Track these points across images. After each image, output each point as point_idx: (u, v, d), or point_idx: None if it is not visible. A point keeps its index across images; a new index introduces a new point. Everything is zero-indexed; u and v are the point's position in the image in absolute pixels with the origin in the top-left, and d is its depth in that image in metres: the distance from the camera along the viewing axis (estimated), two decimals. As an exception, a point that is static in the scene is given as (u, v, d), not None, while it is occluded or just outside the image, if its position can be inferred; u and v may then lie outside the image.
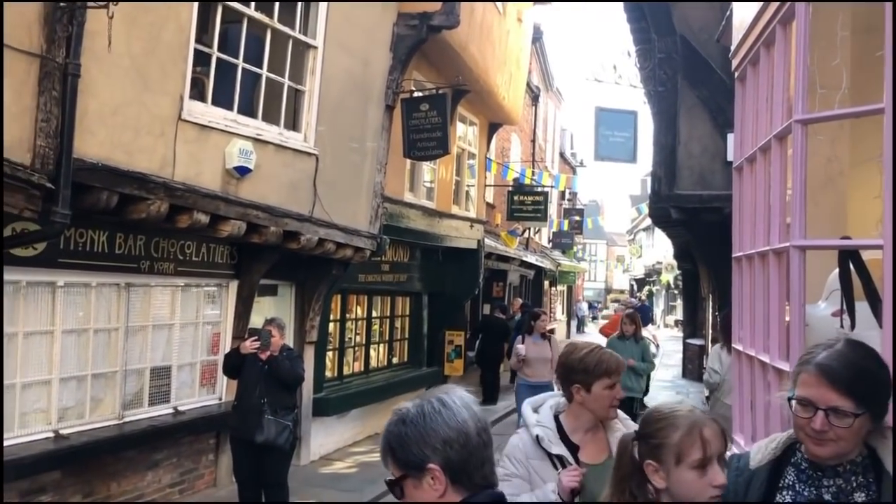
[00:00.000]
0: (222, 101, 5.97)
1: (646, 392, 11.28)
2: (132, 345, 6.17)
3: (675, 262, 22.05)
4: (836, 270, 2.64)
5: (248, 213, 6.12)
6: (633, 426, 2.37)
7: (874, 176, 2.32)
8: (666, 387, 15.45)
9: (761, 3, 3.12)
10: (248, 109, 6.29)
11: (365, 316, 10.21)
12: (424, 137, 8.67)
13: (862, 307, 2.51)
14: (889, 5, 2.17)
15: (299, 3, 6.79)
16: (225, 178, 5.90)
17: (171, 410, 6.56)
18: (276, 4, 6.44)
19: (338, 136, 7.33)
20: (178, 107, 5.44)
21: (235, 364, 5.86)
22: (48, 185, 4.32)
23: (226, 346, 6.99)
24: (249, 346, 5.69)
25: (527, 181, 17.12)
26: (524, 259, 17.94)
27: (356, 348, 10.07)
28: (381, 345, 10.76)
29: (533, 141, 20.36)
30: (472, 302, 14.26)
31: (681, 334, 21.69)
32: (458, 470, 1.48)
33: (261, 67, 6.37)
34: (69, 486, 5.55)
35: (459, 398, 1.54)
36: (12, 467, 4.87)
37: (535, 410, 2.72)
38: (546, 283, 24.13)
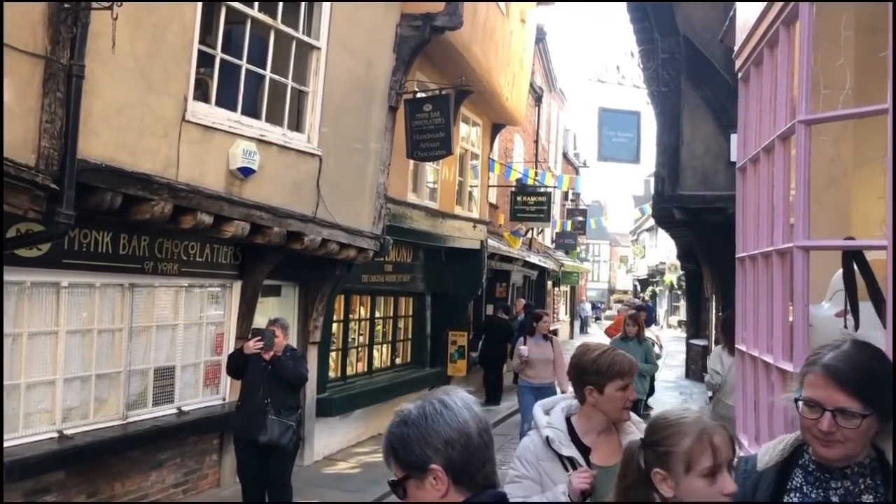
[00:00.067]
0: (226, 102, 5.98)
1: (650, 393, 11.28)
2: (136, 345, 6.18)
3: (678, 263, 22.03)
4: (840, 271, 2.63)
5: (251, 213, 6.13)
6: None
7: (878, 176, 2.31)
8: (669, 387, 15.44)
9: (765, 4, 3.12)
10: (251, 110, 6.30)
11: (368, 316, 10.21)
12: (427, 138, 8.68)
13: (866, 307, 2.50)
14: (892, 5, 2.17)
15: (302, 4, 6.80)
16: (228, 178, 5.92)
17: (174, 411, 6.57)
18: (280, 5, 6.45)
19: (341, 137, 7.34)
20: (182, 108, 5.45)
21: (239, 364, 5.87)
22: (52, 185, 4.34)
23: (229, 346, 7.00)
24: (253, 346, 5.70)
25: (530, 182, 17.10)
26: (527, 259, 17.93)
27: (359, 349, 10.07)
28: (385, 345, 10.77)
29: (536, 141, 20.34)
30: (476, 302, 14.24)
31: (684, 335, 21.66)
32: (460, 470, 1.49)
33: (264, 68, 6.37)
34: (73, 486, 5.56)
35: (461, 399, 1.55)
36: (17, 467, 4.89)
37: (547, 412, 2.71)
38: (549, 283, 24.11)
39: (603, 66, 15.76)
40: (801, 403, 1.79)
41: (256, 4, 6.20)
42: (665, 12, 7.78)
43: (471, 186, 12.83)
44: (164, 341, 6.50)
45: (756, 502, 1.89)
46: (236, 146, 5.92)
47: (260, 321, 6.97)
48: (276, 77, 6.53)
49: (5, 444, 4.79)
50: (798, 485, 1.85)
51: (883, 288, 2.34)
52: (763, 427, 3.04)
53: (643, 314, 9.42)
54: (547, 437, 2.57)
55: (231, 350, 6.63)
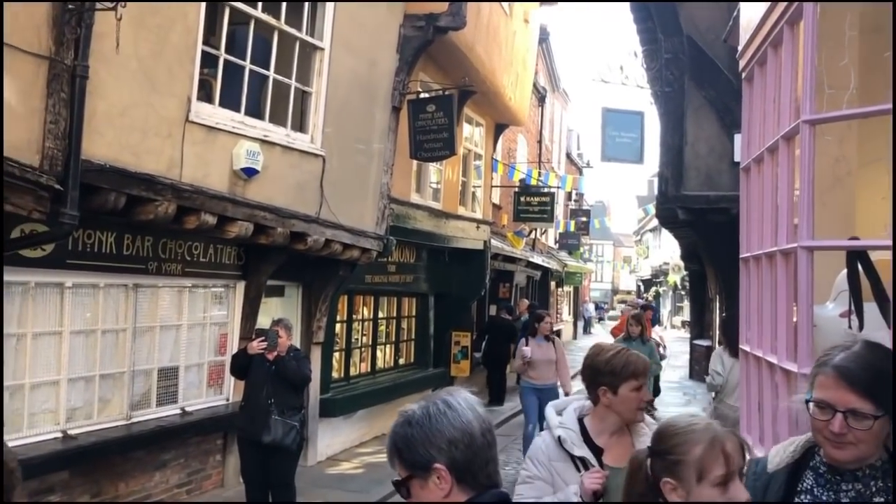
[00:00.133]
0: (229, 102, 5.98)
1: (656, 394, 11.26)
2: (140, 345, 6.19)
3: (682, 263, 21.99)
4: (845, 271, 2.62)
5: (255, 214, 6.14)
6: None
7: (882, 176, 2.31)
8: (673, 388, 15.43)
9: (769, 3, 3.11)
10: (255, 111, 6.30)
11: (371, 317, 10.22)
12: (431, 138, 8.68)
13: (870, 308, 2.49)
14: (894, 5, 2.16)
15: (306, 5, 6.81)
16: (232, 179, 5.92)
17: (178, 411, 6.58)
18: (283, 6, 6.46)
19: (344, 138, 7.34)
20: (186, 108, 5.46)
21: (243, 365, 5.87)
22: (56, 186, 4.35)
23: (233, 346, 7.01)
24: (257, 346, 5.70)
25: (533, 182, 17.09)
26: (530, 260, 17.92)
27: (363, 349, 10.08)
28: (388, 346, 10.77)
29: (539, 142, 20.33)
30: (479, 303, 14.25)
31: (688, 335, 21.64)
32: (464, 470, 1.49)
33: (268, 69, 6.38)
34: (77, 486, 5.57)
35: (464, 399, 1.55)
36: (21, 467, 4.87)
37: (559, 412, 2.69)
38: (552, 283, 24.11)
39: (606, 66, 15.76)
40: (811, 405, 1.76)
41: (260, 5, 6.21)
42: (668, 12, 7.76)
43: (474, 187, 12.83)
44: (167, 341, 6.51)
45: None
46: (240, 147, 5.93)
47: (263, 321, 6.97)
48: (279, 78, 6.53)
49: (10, 445, 4.80)
50: (809, 487, 1.82)
51: (887, 288, 2.34)
52: (767, 427, 3.04)
53: (649, 313, 9.36)
54: (559, 438, 2.56)
55: (235, 350, 6.64)
